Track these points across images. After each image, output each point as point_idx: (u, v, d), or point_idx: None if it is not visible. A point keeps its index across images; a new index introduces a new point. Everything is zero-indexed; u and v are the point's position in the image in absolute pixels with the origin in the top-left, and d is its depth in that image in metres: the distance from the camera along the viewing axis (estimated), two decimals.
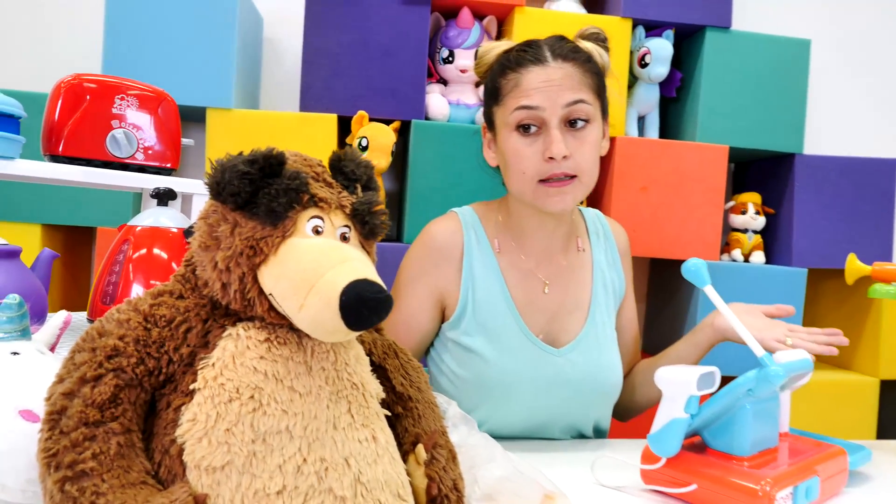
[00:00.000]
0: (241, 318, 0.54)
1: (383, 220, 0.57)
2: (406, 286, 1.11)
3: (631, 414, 1.24)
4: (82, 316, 0.92)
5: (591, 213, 1.22)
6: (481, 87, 1.61)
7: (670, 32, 1.70)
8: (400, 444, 0.60)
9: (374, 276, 0.50)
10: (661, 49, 1.67)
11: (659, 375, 0.82)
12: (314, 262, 0.50)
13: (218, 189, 0.52)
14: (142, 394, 0.52)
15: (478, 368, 1.05)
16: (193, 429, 0.50)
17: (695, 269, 0.84)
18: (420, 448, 0.59)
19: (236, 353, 0.52)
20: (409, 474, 0.59)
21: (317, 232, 0.53)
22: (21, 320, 0.61)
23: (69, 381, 0.50)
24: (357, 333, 0.51)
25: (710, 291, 0.84)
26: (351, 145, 0.60)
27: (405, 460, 0.59)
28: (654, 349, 1.93)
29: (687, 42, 1.81)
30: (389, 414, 0.60)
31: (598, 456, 0.94)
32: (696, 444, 0.87)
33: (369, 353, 0.63)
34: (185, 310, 0.54)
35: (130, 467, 0.49)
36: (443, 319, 1.11)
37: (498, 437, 1.07)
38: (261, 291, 0.52)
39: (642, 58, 1.68)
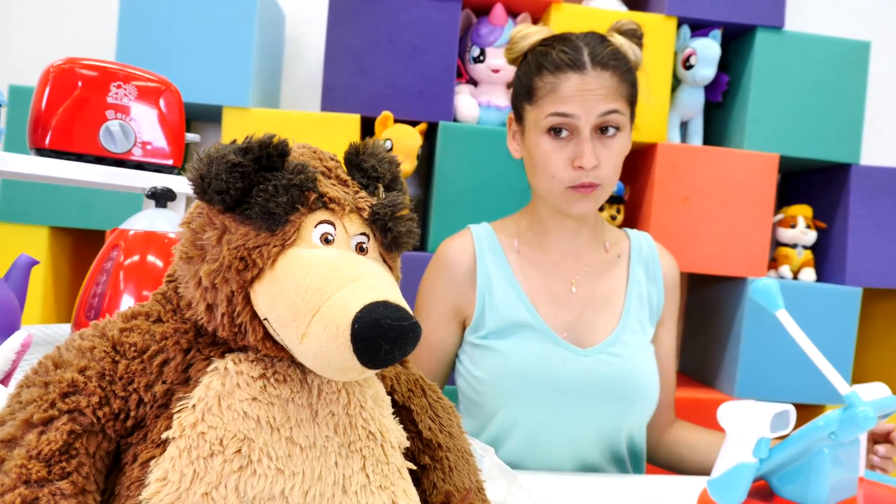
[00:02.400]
0: (231, 349, 0.44)
1: (410, 227, 0.47)
2: (424, 307, 1.12)
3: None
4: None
5: (639, 235, 1.19)
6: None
7: (717, 32, 1.60)
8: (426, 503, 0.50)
9: (396, 297, 0.41)
10: (708, 50, 1.57)
11: (723, 413, 0.71)
12: (320, 280, 0.40)
13: (203, 185, 0.42)
14: (104, 443, 0.42)
15: (495, 366, 1.04)
16: (163, 491, 0.39)
17: (766, 290, 0.73)
18: None
19: (223, 392, 0.42)
20: None
21: (326, 241, 0.44)
22: None
23: (11, 424, 0.39)
24: (375, 371, 0.41)
25: (783, 316, 0.73)
26: (373, 137, 0.48)
27: None
28: (692, 371, 1.82)
29: (735, 43, 1.70)
30: (414, 467, 0.50)
31: (644, 498, 0.83)
32: (761, 491, 0.76)
33: (391, 392, 0.53)
34: (161, 337, 0.44)
35: None
36: (464, 329, 1.11)
37: (526, 454, 1.01)
38: (254, 315, 0.42)
39: (687, 59, 1.58)
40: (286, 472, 0.41)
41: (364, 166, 0.48)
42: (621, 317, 1.09)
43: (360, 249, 0.45)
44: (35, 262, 0.72)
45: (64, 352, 0.43)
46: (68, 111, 0.72)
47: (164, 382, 0.43)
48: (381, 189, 0.48)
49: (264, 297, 0.42)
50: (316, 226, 0.43)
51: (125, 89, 0.76)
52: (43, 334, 1.00)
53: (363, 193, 0.47)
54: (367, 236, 0.46)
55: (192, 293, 0.44)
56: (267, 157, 0.42)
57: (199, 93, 1.46)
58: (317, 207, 0.44)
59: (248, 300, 0.42)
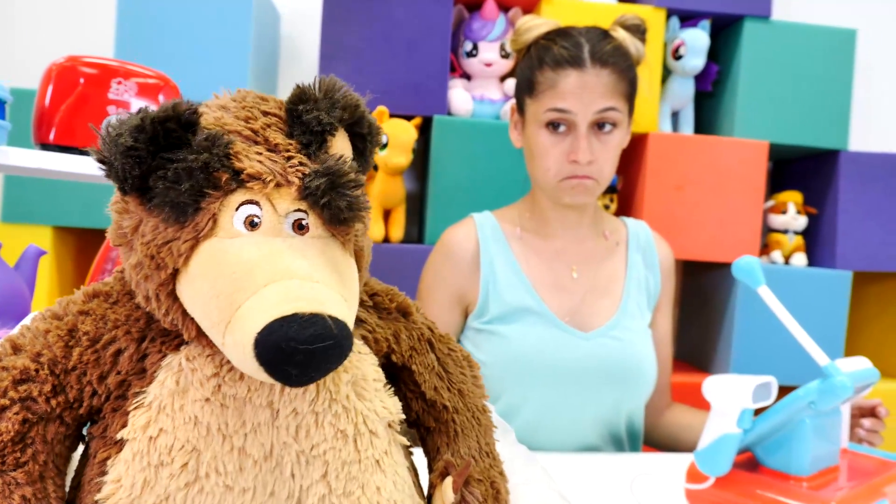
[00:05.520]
0: (185, 339, 0.40)
1: (353, 197, 0.38)
2: (427, 294, 1.14)
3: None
4: None
5: (636, 224, 1.22)
6: (506, 82, 1.57)
7: (706, 23, 1.62)
8: (430, 468, 0.47)
9: (317, 303, 0.34)
10: (697, 40, 1.59)
11: (708, 386, 0.74)
12: (231, 285, 0.35)
13: (103, 170, 0.37)
14: (61, 428, 0.39)
15: (498, 349, 1.06)
16: (118, 494, 0.38)
17: (748, 267, 0.76)
18: (447, 486, 0.44)
19: (176, 391, 0.38)
20: None
21: (252, 224, 0.37)
22: None
23: None
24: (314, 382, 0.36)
25: (764, 292, 0.76)
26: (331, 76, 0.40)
27: (431, 495, 0.45)
28: (688, 357, 1.85)
29: (724, 33, 1.72)
30: (408, 443, 0.45)
31: (638, 472, 0.86)
32: (747, 462, 0.79)
33: (389, 353, 0.47)
34: (114, 325, 0.40)
35: None
36: (467, 316, 1.13)
37: (529, 436, 1.04)
38: (185, 312, 0.38)
39: (676, 49, 1.60)
40: (235, 488, 0.38)
41: (304, 118, 0.39)
42: (621, 302, 1.11)
43: (300, 227, 0.38)
44: (43, 252, 0.75)
45: (23, 333, 0.41)
46: (71, 107, 0.75)
47: (118, 373, 0.40)
48: (326, 148, 0.40)
49: (184, 297, 0.37)
50: (238, 208, 0.37)
51: (125, 85, 0.79)
52: None
53: (299, 158, 0.38)
54: (306, 211, 0.38)
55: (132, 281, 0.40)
56: (165, 133, 0.35)
57: (196, 92, 1.47)
58: (232, 188, 0.37)
59: (174, 297, 0.38)
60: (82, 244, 1.64)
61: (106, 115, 0.78)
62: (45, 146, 0.76)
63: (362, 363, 0.44)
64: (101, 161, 0.36)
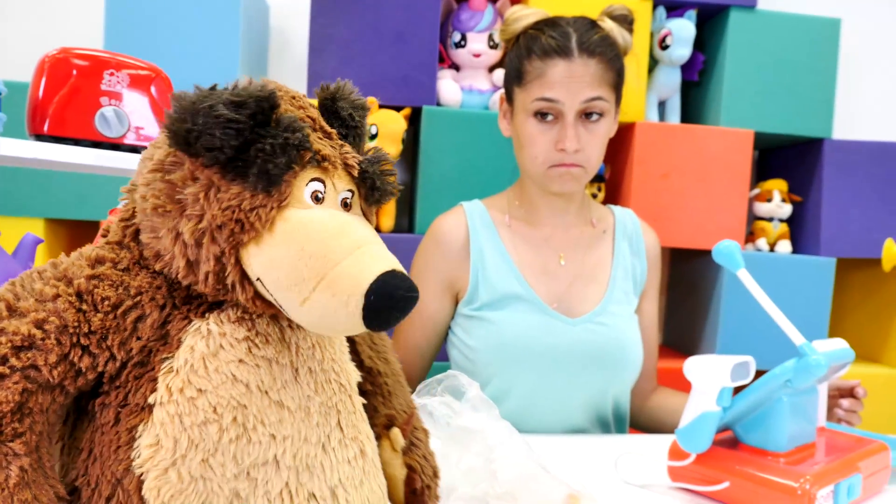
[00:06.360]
0: (209, 303, 0.43)
1: (395, 181, 0.46)
2: (418, 281, 1.15)
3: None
4: None
5: (623, 212, 1.24)
6: (495, 73, 1.59)
7: (692, 12, 1.64)
8: (372, 424, 0.53)
9: (399, 264, 0.41)
10: (683, 30, 1.60)
11: (688, 366, 0.76)
12: (324, 246, 0.39)
13: (187, 138, 0.39)
14: (59, 397, 0.39)
15: (488, 335, 1.08)
16: (157, 456, 0.39)
17: (727, 251, 0.78)
18: (397, 433, 0.52)
19: (208, 354, 0.41)
20: (383, 462, 0.51)
21: (316, 199, 0.42)
22: None
23: None
24: None
25: (743, 275, 0.78)
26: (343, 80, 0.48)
27: (378, 444, 0.52)
28: (675, 343, 1.87)
29: (710, 23, 1.74)
30: (364, 401, 0.51)
31: (622, 451, 0.88)
32: (727, 440, 0.82)
33: None
34: (136, 292, 0.41)
35: (38, 498, 0.37)
36: (456, 303, 1.15)
37: (518, 420, 1.06)
38: (244, 275, 0.41)
39: (663, 39, 1.62)
40: (278, 437, 0.42)
41: (342, 114, 0.46)
42: (607, 288, 1.13)
43: (345, 206, 0.44)
44: (40, 241, 0.76)
45: (20, 293, 0.40)
46: (64, 99, 0.76)
47: (138, 339, 0.41)
48: (356, 140, 0.47)
49: (259, 259, 0.40)
50: (307, 184, 0.42)
51: (118, 77, 0.80)
52: None
53: (348, 147, 0.45)
54: (353, 192, 0.45)
55: (165, 246, 0.41)
56: (261, 111, 0.39)
57: (186, 85, 1.48)
58: (309, 165, 0.42)
59: (238, 261, 0.40)
60: (74, 236, 1.64)
61: (99, 107, 0.79)
62: (40, 137, 0.78)
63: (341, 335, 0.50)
64: (184, 130, 0.39)
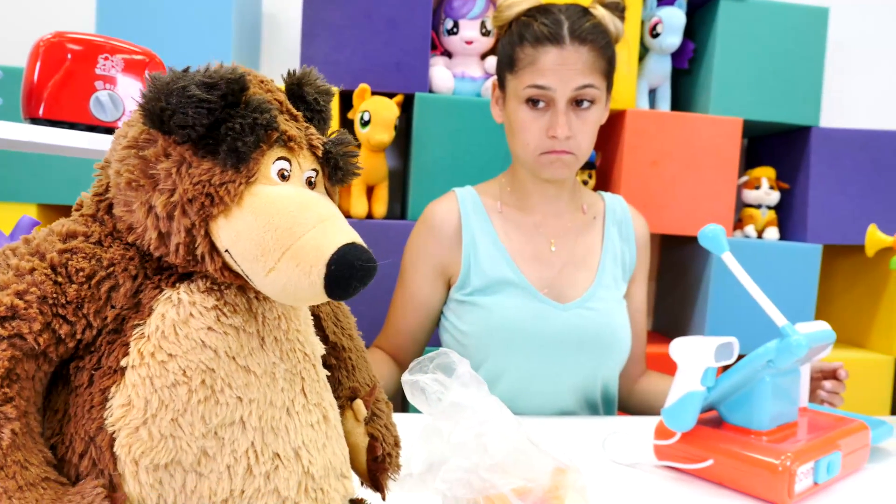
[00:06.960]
0: (179, 274, 0.45)
1: (356, 163, 0.49)
2: (410, 266, 1.17)
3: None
4: None
5: (613, 198, 1.25)
6: (487, 60, 1.60)
7: (683, 1, 1.65)
8: (336, 396, 0.55)
9: (359, 238, 0.43)
10: (674, 18, 1.62)
11: (674, 347, 0.78)
12: (289, 219, 0.42)
13: (161, 116, 0.41)
14: (44, 364, 0.42)
15: (480, 320, 1.09)
16: (128, 416, 0.41)
17: (712, 235, 0.80)
18: (360, 404, 0.54)
19: (178, 321, 0.43)
20: (346, 431, 0.54)
21: (282, 177, 0.44)
22: None
23: None
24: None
25: (728, 259, 0.80)
26: (311, 70, 0.51)
27: (341, 414, 0.54)
28: (664, 329, 1.90)
29: (700, 11, 1.76)
30: (328, 373, 0.54)
31: (610, 432, 0.90)
32: (711, 419, 0.84)
33: None
34: (108, 263, 0.43)
35: (29, 461, 0.39)
36: (449, 288, 1.16)
37: (509, 403, 1.08)
38: (213, 247, 0.43)
39: (653, 27, 1.63)
40: (244, 399, 0.44)
41: (308, 98, 0.49)
42: (597, 274, 1.15)
43: (310, 184, 0.47)
44: (37, 223, 0.77)
45: None
46: (59, 83, 0.77)
47: (112, 307, 0.43)
48: (320, 123, 0.49)
49: (228, 231, 0.42)
50: (274, 162, 0.44)
51: (112, 61, 0.81)
52: None
53: (312, 129, 0.48)
54: (317, 172, 0.47)
55: (137, 219, 0.43)
56: (231, 92, 0.42)
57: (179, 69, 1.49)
58: (276, 144, 0.44)
59: (207, 232, 0.43)
60: None
61: (94, 91, 0.79)
62: (35, 121, 0.78)
63: (305, 307, 0.53)
64: (158, 109, 0.41)
